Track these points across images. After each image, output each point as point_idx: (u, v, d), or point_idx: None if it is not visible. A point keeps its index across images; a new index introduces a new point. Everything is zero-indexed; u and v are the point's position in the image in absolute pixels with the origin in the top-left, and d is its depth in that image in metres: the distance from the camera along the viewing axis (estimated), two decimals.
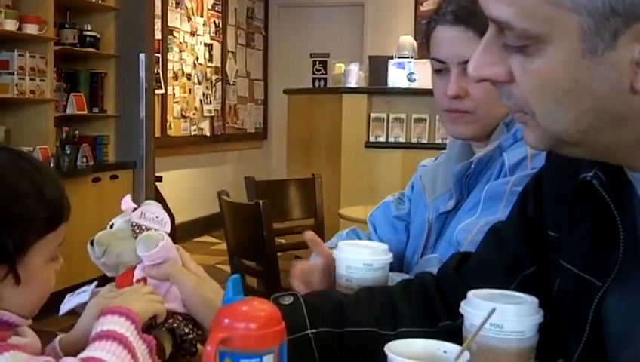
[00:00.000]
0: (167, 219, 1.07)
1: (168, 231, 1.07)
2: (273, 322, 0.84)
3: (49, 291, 0.96)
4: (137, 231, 1.05)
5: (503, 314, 0.85)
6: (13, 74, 4.52)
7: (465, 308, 0.89)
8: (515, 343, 0.86)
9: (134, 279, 1.06)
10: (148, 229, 1.06)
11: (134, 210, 1.08)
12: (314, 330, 1.03)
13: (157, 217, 1.07)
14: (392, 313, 1.06)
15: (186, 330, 1.03)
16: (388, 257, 1.21)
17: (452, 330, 0.96)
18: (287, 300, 1.06)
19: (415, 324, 1.04)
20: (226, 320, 0.82)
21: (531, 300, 0.89)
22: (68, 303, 1.07)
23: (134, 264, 1.06)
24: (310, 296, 1.11)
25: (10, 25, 4.45)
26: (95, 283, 1.09)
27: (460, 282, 1.05)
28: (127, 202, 1.08)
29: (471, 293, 0.90)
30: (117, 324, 0.91)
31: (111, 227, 1.08)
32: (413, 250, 1.50)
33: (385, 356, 0.80)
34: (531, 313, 0.88)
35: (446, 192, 1.43)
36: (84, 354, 0.87)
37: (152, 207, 1.08)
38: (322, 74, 5.94)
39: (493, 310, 0.84)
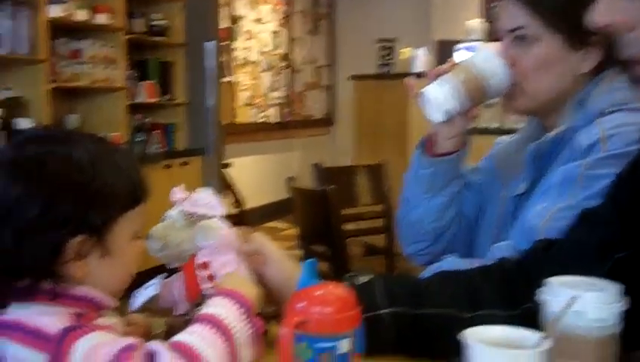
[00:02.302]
0: (217, 202, 1.08)
1: (221, 214, 1.08)
2: (349, 306, 0.84)
3: (133, 269, 0.99)
4: (191, 218, 1.07)
5: (584, 302, 0.83)
6: (85, 63, 4.63)
7: (545, 294, 0.87)
8: (596, 331, 0.84)
9: (197, 263, 1.07)
10: (201, 215, 1.07)
11: (184, 200, 1.09)
12: (389, 310, 1.03)
13: (208, 202, 1.08)
14: (470, 295, 1.05)
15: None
16: None
17: (535, 314, 0.94)
18: (362, 279, 1.06)
19: (495, 306, 1.03)
20: (302, 304, 0.82)
21: (614, 287, 0.86)
22: (139, 298, 1.09)
23: (194, 251, 1.07)
24: (384, 277, 1.10)
25: (83, 15, 4.56)
26: (164, 274, 1.11)
27: (548, 264, 1.02)
28: (176, 193, 1.09)
29: (552, 280, 0.88)
30: (222, 307, 0.91)
31: (164, 220, 1.10)
32: (486, 234, 1.47)
33: (459, 339, 0.79)
34: (614, 300, 0.85)
35: (518, 174, 1.40)
36: (174, 338, 0.87)
37: (202, 194, 1.09)
38: (389, 59, 5.89)
39: (575, 297, 0.82)
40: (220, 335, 0.88)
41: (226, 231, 1.07)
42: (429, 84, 1.35)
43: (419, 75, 5.05)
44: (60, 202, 0.89)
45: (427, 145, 1.45)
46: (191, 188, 1.11)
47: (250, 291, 0.96)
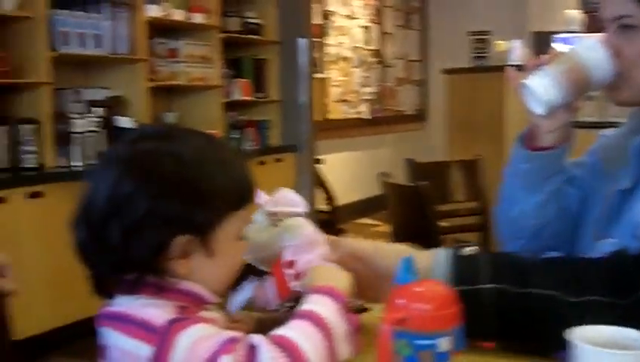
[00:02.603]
0: (299, 200, 1.08)
1: (303, 211, 1.08)
2: (449, 304, 0.83)
3: (236, 269, 0.99)
4: (274, 218, 1.07)
5: None
6: (182, 62, 4.74)
7: None
8: None
9: (283, 262, 1.07)
10: (284, 214, 1.07)
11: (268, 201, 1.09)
12: (492, 286, 1.01)
13: (290, 201, 1.08)
14: (577, 279, 1.02)
15: None
16: None
17: None
18: (467, 252, 1.04)
19: (602, 294, 1.00)
20: (402, 301, 0.81)
21: None
22: (235, 302, 1.10)
23: (280, 251, 1.08)
24: (489, 253, 1.08)
25: (179, 15, 4.67)
26: (257, 277, 1.11)
27: None
28: (260, 196, 1.10)
29: None
30: (320, 304, 0.91)
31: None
32: (589, 231, 1.42)
33: (561, 322, 0.76)
34: None
35: (623, 169, 1.34)
36: (274, 332, 0.88)
37: (283, 193, 1.09)
38: (482, 52, 5.78)
39: None
40: (319, 330, 0.88)
41: (310, 230, 1.07)
42: (529, 74, 1.31)
43: (517, 68, 4.94)
44: (168, 200, 0.90)
45: (527, 138, 1.41)
46: (284, 184, 1.11)
47: (343, 285, 0.96)
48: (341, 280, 0.97)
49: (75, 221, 0.93)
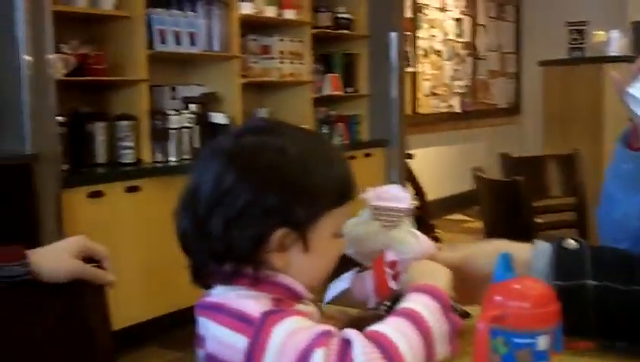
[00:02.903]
0: (404, 194, 1.07)
1: (408, 207, 1.07)
2: (548, 302, 0.80)
3: (331, 266, 0.99)
4: (378, 212, 1.06)
5: None
6: (274, 58, 4.78)
7: None
8: None
9: (384, 261, 1.06)
10: (388, 209, 1.06)
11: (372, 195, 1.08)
12: (596, 282, 0.97)
13: (395, 195, 1.06)
14: None
15: None
16: None
17: None
18: (572, 245, 1.00)
19: None
20: (499, 298, 0.79)
21: None
22: (332, 290, 1.10)
23: (383, 248, 1.06)
24: (593, 247, 1.04)
25: (271, 11, 4.71)
26: (357, 268, 1.11)
27: None
28: (366, 190, 1.09)
29: None
30: (420, 303, 0.90)
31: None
32: None
33: None
34: None
35: None
36: (370, 328, 0.87)
37: (387, 187, 1.08)
38: (579, 43, 5.60)
39: None
40: (417, 329, 0.86)
41: (420, 247, 1.05)
42: (632, 80, 1.26)
43: (615, 60, 4.77)
44: (268, 194, 0.91)
45: (629, 138, 1.35)
46: (374, 179, 1.10)
47: (444, 284, 0.94)
48: (442, 278, 0.96)
49: (178, 210, 0.95)
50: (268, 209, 0.90)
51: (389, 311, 0.94)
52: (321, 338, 0.84)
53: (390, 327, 0.86)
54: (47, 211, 3.19)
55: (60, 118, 3.34)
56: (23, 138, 3.15)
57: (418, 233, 1.07)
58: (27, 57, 3.11)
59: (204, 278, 0.96)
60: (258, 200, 0.90)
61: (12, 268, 1.13)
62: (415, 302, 0.90)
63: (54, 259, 1.18)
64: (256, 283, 0.92)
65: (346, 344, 0.84)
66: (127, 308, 3.40)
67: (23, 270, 1.13)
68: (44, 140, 3.19)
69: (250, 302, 0.89)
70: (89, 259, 1.22)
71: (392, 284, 1.04)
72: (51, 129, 3.25)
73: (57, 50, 3.43)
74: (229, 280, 0.92)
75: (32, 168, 3.10)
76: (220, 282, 0.94)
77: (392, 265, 1.06)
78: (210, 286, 0.96)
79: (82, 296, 1.22)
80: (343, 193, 0.97)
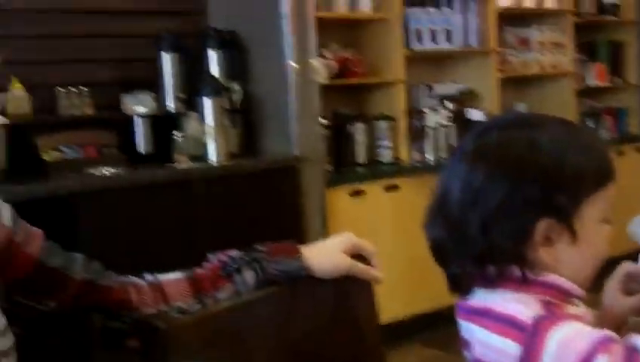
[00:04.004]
0: None
1: None
2: None
3: (601, 256, 0.93)
4: None
5: None
6: (533, 50, 4.61)
7: None
8: None
9: None
10: None
11: None
12: None
13: None
14: None
15: None
16: None
17: None
18: None
19: None
20: None
21: None
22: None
23: None
24: None
25: (530, 2, 4.55)
26: None
27: None
28: None
29: None
30: None
31: None
32: None
33: None
34: None
35: None
36: None
37: None
38: None
39: None
40: None
41: None
42: None
43: None
44: (525, 184, 0.87)
45: None
46: None
47: None
48: None
49: (428, 220, 0.93)
50: (526, 199, 0.87)
51: None
52: (604, 344, 0.79)
53: None
54: (313, 209, 3.34)
55: (322, 121, 3.49)
56: (289, 140, 3.33)
57: None
58: (292, 63, 3.27)
59: (463, 285, 0.93)
60: (514, 192, 0.87)
61: (289, 263, 1.18)
62: None
63: (325, 255, 1.22)
64: (523, 284, 0.88)
65: (632, 352, 0.78)
66: (389, 305, 3.45)
67: (298, 265, 1.18)
68: (309, 142, 3.35)
69: (519, 306, 0.85)
70: (357, 255, 1.24)
71: None
72: (315, 131, 3.40)
73: (320, 55, 3.58)
74: (493, 283, 0.89)
75: (299, 169, 3.27)
76: (482, 286, 0.91)
77: None
78: (470, 292, 0.93)
79: (352, 291, 1.25)
80: (604, 175, 0.92)
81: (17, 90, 2.98)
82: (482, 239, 0.88)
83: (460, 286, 0.94)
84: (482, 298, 0.90)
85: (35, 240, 1.01)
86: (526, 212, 0.87)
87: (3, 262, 0.93)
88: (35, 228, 1.02)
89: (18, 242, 0.97)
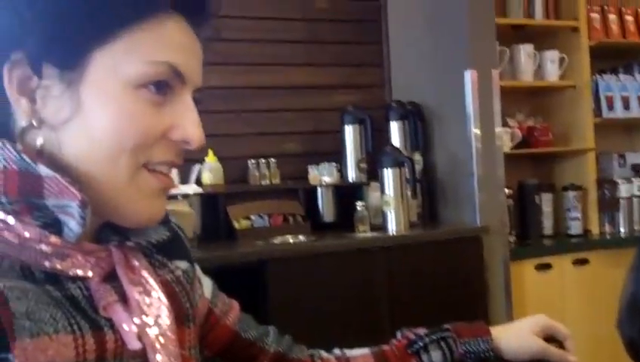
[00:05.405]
0: None
1: None
2: None
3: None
4: None
5: None
6: None
7: None
8: None
9: None
10: None
11: None
12: None
13: None
14: None
15: None
16: None
17: None
18: None
19: None
20: None
21: None
22: None
23: None
24: None
25: None
26: None
27: None
28: None
29: None
30: None
31: None
32: None
33: None
34: None
35: None
36: None
37: None
38: None
39: None
40: None
41: None
42: None
43: None
44: None
45: None
46: None
47: None
48: None
49: (621, 319, 0.87)
50: None
51: None
52: None
53: None
54: (496, 282, 3.24)
55: (507, 190, 3.40)
56: (472, 210, 3.27)
57: None
58: (477, 131, 3.24)
59: None
60: None
61: (478, 343, 1.14)
62: None
63: (516, 336, 1.17)
64: None
65: None
66: None
67: (487, 346, 1.14)
68: (493, 212, 3.27)
69: None
70: (549, 338, 1.18)
71: None
72: (500, 201, 3.32)
73: (504, 124, 3.52)
74: None
75: (482, 239, 3.19)
76: None
77: None
78: None
79: None
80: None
81: (212, 161, 3.15)
82: None
83: None
84: None
85: (232, 311, 1.04)
86: None
87: (203, 333, 0.97)
88: (231, 300, 1.06)
89: (217, 314, 1.01)
